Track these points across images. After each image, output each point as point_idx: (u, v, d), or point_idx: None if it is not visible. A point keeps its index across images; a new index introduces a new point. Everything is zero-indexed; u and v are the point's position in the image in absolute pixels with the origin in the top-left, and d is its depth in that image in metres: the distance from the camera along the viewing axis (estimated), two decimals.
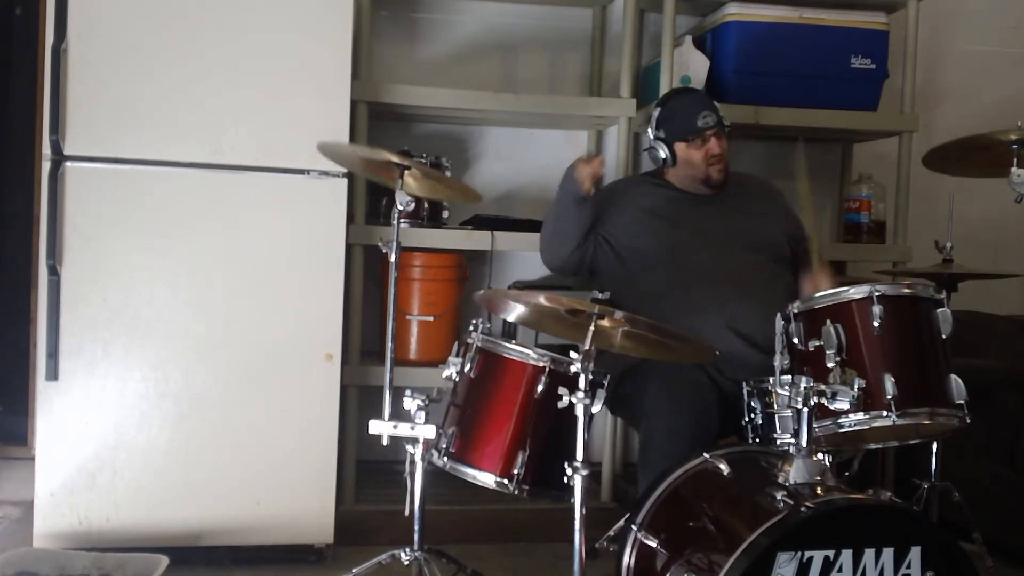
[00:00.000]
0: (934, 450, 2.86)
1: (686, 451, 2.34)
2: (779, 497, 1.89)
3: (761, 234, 2.88)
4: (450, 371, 2.40)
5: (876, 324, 2.29)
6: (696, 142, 2.84)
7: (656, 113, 2.92)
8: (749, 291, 2.68)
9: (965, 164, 2.71)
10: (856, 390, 2.04)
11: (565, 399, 2.06)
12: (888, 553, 1.84)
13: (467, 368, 2.37)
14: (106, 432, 2.83)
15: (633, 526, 2.16)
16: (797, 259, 2.93)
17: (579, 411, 2.04)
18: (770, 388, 2.35)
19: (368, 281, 3.32)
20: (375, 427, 2.42)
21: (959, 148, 2.61)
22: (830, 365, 2.19)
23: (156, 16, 2.83)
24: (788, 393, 2.04)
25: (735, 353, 2.61)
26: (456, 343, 2.45)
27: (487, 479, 2.27)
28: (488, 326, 2.41)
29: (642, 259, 2.81)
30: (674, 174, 2.92)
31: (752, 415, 2.43)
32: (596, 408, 2.07)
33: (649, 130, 2.92)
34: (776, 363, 2.14)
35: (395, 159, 2.51)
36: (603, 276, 2.90)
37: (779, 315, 2.29)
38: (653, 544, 2.10)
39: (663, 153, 2.88)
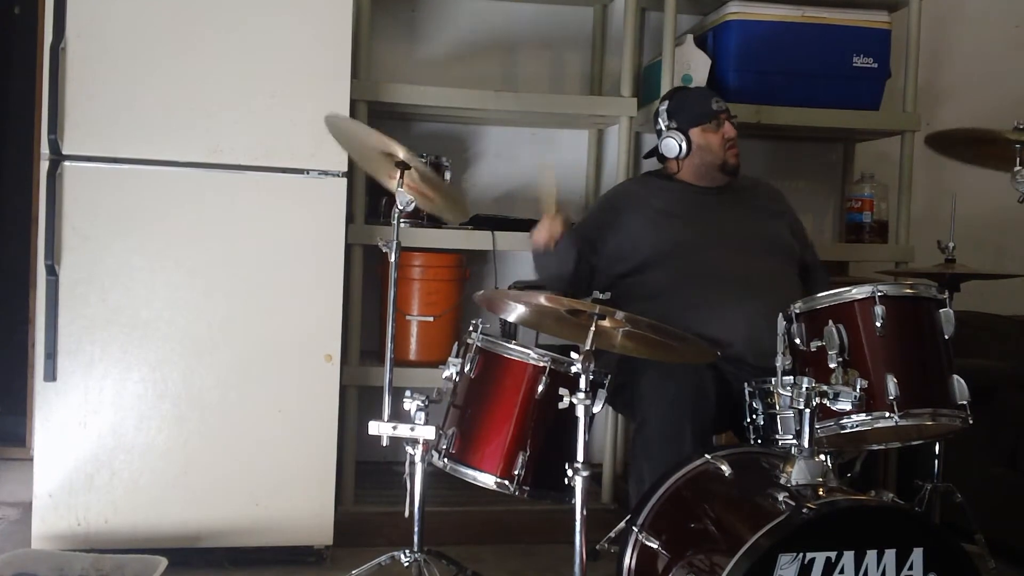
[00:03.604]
0: (936, 451, 2.85)
1: (682, 441, 2.34)
2: (781, 498, 1.88)
3: (771, 233, 2.87)
4: (450, 371, 2.40)
5: (878, 325, 2.28)
6: (712, 126, 2.86)
7: (665, 106, 2.92)
8: (761, 289, 2.66)
9: (968, 152, 2.69)
10: (858, 391, 2.03)
11: (566, 400, 2.05)
12: (890, 554, 1.83)
13: (467, 368, 2.36)
14: (104, 433, 2.82)
15: (634, 527, 2.15)
16: (803, 259, 2.92)
17: (580, 412, 2.04)
18: (772, 389, 2.34)
19: (368, 281, 3.31)
20: (375, 428, 2.41)
21: (965, 138, 2.60)
22: (832, 366, 2.18)
23: (155, 15, 2.82)
24: (790, 394, 2.04)
25: (746, 351, 2.60)
26: (456, 343, 2.45)
27: (487, 480, 2.27)
28: (488, 326, 2.40)
29: (654, 258, 2.78)
30: (689, 164, 2.90)
31: (754, 416, 2.43)
32: (597, 408, 2.07)
33: (660, 122, 2.91)
34: (778, 364, 2.13)
35: (400, 152, 2.50)
36: (611, 277, 2.87)
37: (780, 315, 2.28)
38: (654, 545, 2.09)
39: (678, 141, 2.86)
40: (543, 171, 2.93)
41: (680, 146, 2.87)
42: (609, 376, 2.28)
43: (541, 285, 3.03)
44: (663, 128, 2.91)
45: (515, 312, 2.35)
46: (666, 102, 2.93)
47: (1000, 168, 2.42)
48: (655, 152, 2.97)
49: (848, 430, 2.27)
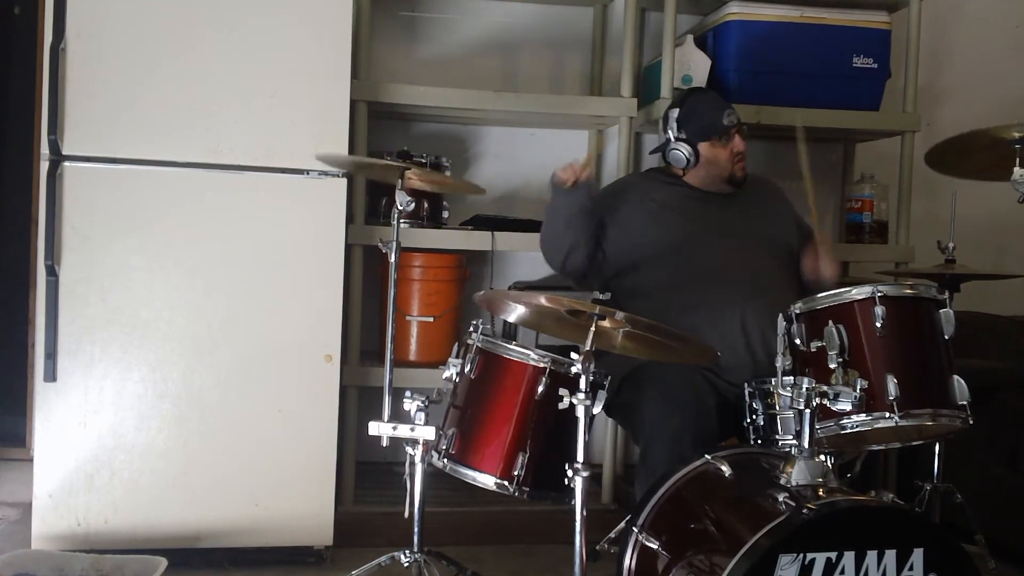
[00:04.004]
0: (936, 451, 2.85)
1: (684, 464, 2.33)
2: (781, 499, 1.88)
3: (773, 235, 2.87)
4: (450, 372, 2.39)
5: (878, 325, 2.28)
6: (722, 141, 2.83)
7: (675, 114, 2.87)
8: (761, 292, 2.66)
9: (967, 164, 2.70)
10: (858, 391, 2.03)
11: (566, 400, 2.05)
12: (890, 555, 1.83)
13: (467, 369, 2.36)
14: (104, 433, 2.82)
15: (634, 528, 2.15)
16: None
17: (580, 412, 2.03)
18: (772, 389, 2.34)
19: (368, 281, 3.31)
20: (375, 428, 2.41)
21: (960, 145, 2.59)
22: (832, 366, 2.18)
23: (155, 15, 2.81)
24: (790, 394, 2.03)
25: (741, 354, 2.59)
26: (456, 344, 2.44)
27: (487, 481, 2.26)
28: (489, 327, 2.40)
29: (653, 252, 2.77)
30: (694, 174, 2.88)
31: (754, 416, 2.42)
32: (597, 409, 2.06)
33: (669, 132, 2.87)
34: (778, 364, 2.13)
35: (394, 164, 2.51)
36: (610, 272, 2.87)
37: (780, 316, 2.28)
38: (654, 546, 2.08)
39: (685, 153, 2.85)
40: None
41: (688, 159, 2.85)
42: (609, 377, 2.28)
43: (543, 286, 3.04)
44: (671, 137, 2.86)
45: (515, 313, 2.34)
46: (676, 110, 2.88)
47: (1001, 178, 2.41)
48: (660, 149, 2.95)
49: (848, 430, 2.27)
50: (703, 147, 2.84)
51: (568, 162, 2.75)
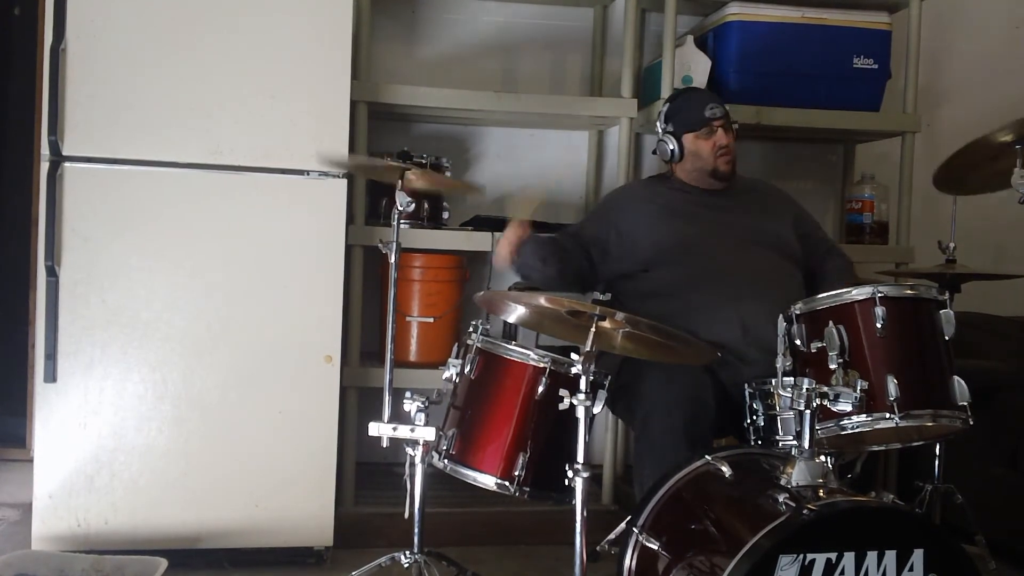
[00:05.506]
0: (937, 452, 2.85)
1: (682, 441, 2.33)
2: (781, 499, 1.88)
3: (772, 232, 2.87)
4: (450, 372, 2.40)
5: (879, 325, 2.28)
6: (704, 132, 2.85)
7: (664, 108, 2.94)
8: (763, 288, 2.67)
9: (974, 179, 2.69)
10: (858, 392, 2.03)
11: (566, 400, 2.05)
12: (891, 556, 1.83)
13: (467, 369, 2.36)
14: (104, 434, 2.82)
15: (634, 528, 2.15)
16: (809, 258, 2.92)
17: (580, 413, 2.04)
18: (772, 390, 2.34)
19: (368, 282, 3.31)
20: (375, 429, 2.41)
21: (965, 158, 2.58)
22: (832, 367, 2.18)
23: (155, 16, 2.81)
24: (790, 395, 2.03)
25: (744, 351, 2.59)
26: (456, 344, 2.45)
27: (487, 481, 2.26)
28: (488, 327, 2.40)
29: (658, 255, 2.78)
30: (682, 168, 2.91)
31: (754, 417, 2.43)
32: (597, 409, 2.07)
33: (659, 124, 2.94)
34: (778, 365, 2.13)
35: (394, 164, 2.51)
36: (613, 274, 2.88)
37: (781, 316, 2.28)
38: (655, 547, 2.08)
39: (672, 145, 2.88)
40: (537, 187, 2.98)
41: (672, 151, 2.89)
42: (609, 377, 2.28)
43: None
44: (660, 131, 2.94)
45: (515, 313, 2.35)
46: (667, 104, 2.96)
47: (1007, 186, 2.41)
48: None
49: (848, 431, 2.27)
50: (687, 139, 2.87)
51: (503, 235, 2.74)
